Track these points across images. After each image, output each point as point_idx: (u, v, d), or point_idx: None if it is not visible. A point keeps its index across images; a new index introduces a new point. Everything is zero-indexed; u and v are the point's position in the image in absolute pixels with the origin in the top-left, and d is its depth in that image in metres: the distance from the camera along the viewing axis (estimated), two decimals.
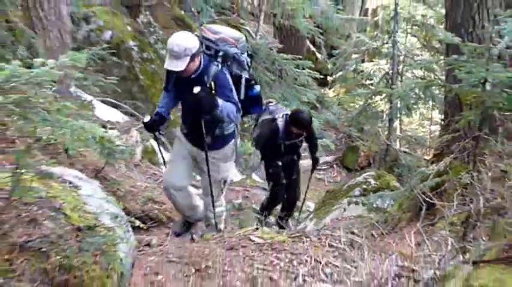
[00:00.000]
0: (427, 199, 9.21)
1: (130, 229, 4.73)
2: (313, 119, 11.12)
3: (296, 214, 12.12)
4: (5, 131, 4.07)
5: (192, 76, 7.82)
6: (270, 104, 11.36)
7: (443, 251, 7.48)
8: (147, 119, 7.94)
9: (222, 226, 9.50)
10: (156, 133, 8.42)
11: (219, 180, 8.57)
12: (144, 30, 14.94)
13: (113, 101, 11.77)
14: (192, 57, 7.63)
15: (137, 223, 7.75)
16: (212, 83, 7.78)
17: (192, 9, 16.99)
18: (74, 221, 4.20)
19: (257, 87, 8.77)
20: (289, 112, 10.82)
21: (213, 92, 7.73)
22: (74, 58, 4.28)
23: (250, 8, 21.21)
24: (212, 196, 8.63)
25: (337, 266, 7.81)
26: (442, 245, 7.77)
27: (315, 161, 12.03)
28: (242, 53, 8.52)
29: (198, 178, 10.40)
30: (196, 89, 7.42)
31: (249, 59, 8.69)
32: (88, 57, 4.93)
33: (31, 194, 4.13)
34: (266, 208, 11.28)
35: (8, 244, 3.90)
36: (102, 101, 11.01)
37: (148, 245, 7.95)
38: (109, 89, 10.91)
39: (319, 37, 21.09)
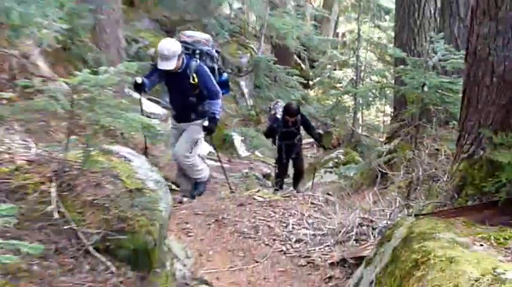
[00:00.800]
0: (381, 169, 9.31)
1: (168, 191, 4.76)
2: (300, 108, 11.08)
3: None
4: (79, 120, 4.10)
5: (178, 71, 8.06)
6: (278, 103, 11.41)
7: (393, 207, 7.53)
8: (139, 80, 7.99)
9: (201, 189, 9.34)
10: (142, 92, 8.43)
11: (195, 138, 8.59)
12: None
13: (155, 98, 11.78)
14: (178, 57, 7.93)
15: (173, 186, 7.83)
16: (194, 75, 8.11)
17: (212, 32, 16.97)
18: (127, 185, 4.23)
19: (225, 75, 9.27)
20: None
21: (195, 81, 8.15)
22: (127, 67, 4.35)
23: (253, 32, 21.11)
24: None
25: (316, 217, 7.87)
26: (392, 203, 7.81)
27: (318, 139, 12.01)
28: (212, 50, 8.79)
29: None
30: (206, 123, 8.32)
31: (217, 54, 8.97)
32: (137, 67, 4.94)
33: (97, 165, 4.17)
34: (279, 178, 11.32)
35: (81, 201, 3.95)
36: (148, 99, 11.01)
37: (180, 202, 7.99)
38: (152, 89, 10.92)
39: (303, 53, 21.11)
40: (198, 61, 8.33)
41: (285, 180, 11.67)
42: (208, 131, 8.54)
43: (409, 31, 10.41)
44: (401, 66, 9.24)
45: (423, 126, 8.96)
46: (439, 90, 8.33)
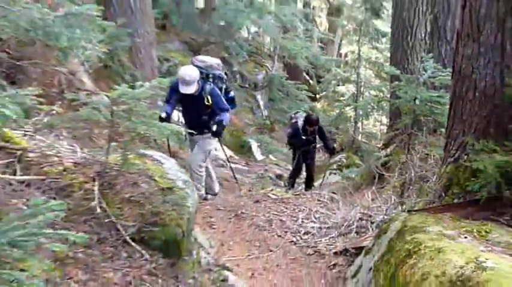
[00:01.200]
0: (379, 171, 9.29)
1: (194, 189, 4.77)
2: (320, 120, 11.07)
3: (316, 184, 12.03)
4: (118, 128, 4.11)
5: (195, 94, 7.73)
6: (298, 113, 11.40)
7: (389, 204, 7.50)
8: (164, 115, 7.61)
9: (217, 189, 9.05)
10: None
11: (207, 149, 8.35)
12: None
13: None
14: (197, 82, 7.65)
15: (198, 185, 7.82)
16: (209, 97, 7.78)
17: (233, 52, 16.98)
18: (160, 184, 4.24)
19: (232, 93, 8.95)
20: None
21: (210, 103, 7.83)
22: (160, 82, 4.36)
23: (268, 52, 21.14)
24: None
25: (322, 213, 7.86)
26: (388, 200, 7.78)
27: (331, 152, 11.86)
28: (222, 73, 8.55)
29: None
30: (214, 127, 7.88)
31: (225, 76, 8.71)
32: (168, 82, 4.99)
33: (133, 167, 4.19)
34: (292, 178, 11.28)
35: (119, 198, 3.96)
36: (176, 109, 11.00)
37: (205, 199, 7.97)
38: None
39: (311, 70, 21.13)
40: (212, 84, 8.07)
41: (297, 180, 11.65)
42: (215, 134, 8.10)
43: (403, 52, 10.39)
44: (396, 82, 9.22)
45: (415, 134, 8.94)
46: (429, 103, 8.31)
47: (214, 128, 7.90)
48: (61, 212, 2.00)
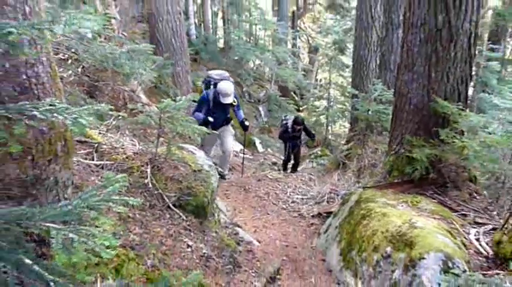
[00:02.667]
0: (342, 160, 9.26)
1: (216, 171, 4.76)
2: (304, 121, 10.89)
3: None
4: (164, 129, 4.11)
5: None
6: (287, 116, 11.28)
7: (349, 182, 7.50)
8: (211, 119, 6.97)
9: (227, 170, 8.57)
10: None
11: (232, 134, 7.87)
12: None
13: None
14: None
15: (219, 169, 7.80)
16: (234, 99, 7.21)
17: (243, 78, 16.99)
18: (192, 168, 4.24)
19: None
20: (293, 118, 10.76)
21: (235, 103, 7.34)
22: (192, 97, 4.36)
23: (267, 77, 21.15)
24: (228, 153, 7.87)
25: (303, 188, 7.85)
26: (349, 180, 7.78)
27: (313, 138, 11.13)
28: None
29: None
30: (247, 123, 7.58)
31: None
32: (197, 97, 5.06)
33: (174, 156, 4.18)
34: (284, 164, 11.15)
35: (165, 177, 3.96)
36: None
37: (223, 178, 7.97)
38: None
39: (296, 90, 21.17)
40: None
41: (288, 165, 11.62)
42: (246, 128, 7.71)
43: (360, 78, 10.38)
44: (355, 99, 9.25)
45: (368, 135, 8.95)
46: (378, 113, 8.32)
47: (247, 123, 7.62)
48: (124, 184, 1.99)
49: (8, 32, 1.61)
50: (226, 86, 7.13)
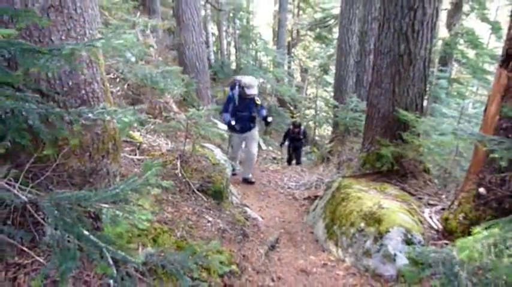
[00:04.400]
0: (326, 155, 9.21)
1: (229, 164, 4.75)
2: (301, 125, 10.71)
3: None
4: (190, 132, 4.10)
5: (250, 97, 6.23)
6: (292, 122, 11.12)
7: (332, 173, 7.46)
8: (234, 122, 6.17)
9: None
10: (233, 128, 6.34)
11: (258, 139, 6.90)
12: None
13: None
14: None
15: (232, 163, 7.76)
16: (258, 98, 6.34)
17: None
18: (212, 161, 4.23)
19: None
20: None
21: (259, 102, 6.44)
22: (212, 108, 4.35)
23: (269, 92, 21.08)
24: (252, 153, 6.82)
25: (297, 177, 7.82)
26: (332, 171, 7.74)
27: (306, 141, 11.03)
28: None
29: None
30: (270, 119, 6.51)
31: None
32: (216, 107, 5.05)
33: (198, 152, 4.18)
34: (288, 161, 10.90)
35: (191, 168, 3.95)
36: (220, 122, 10.95)
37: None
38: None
39: (291, 102, 21.08)
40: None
41: (292, 162, 11.49)
42: (270, 123, 6.55)
43: (340, 92, 10.34)
44: (336, 109, 9.19)
45: (346, 136, 8.91)
46: (354, 120, 8.30)
47: (270, 119, 6.52)
48: (159, 169, 1.99)
49: (70, 49, 1.61)
50: (250, 78, 6.44)
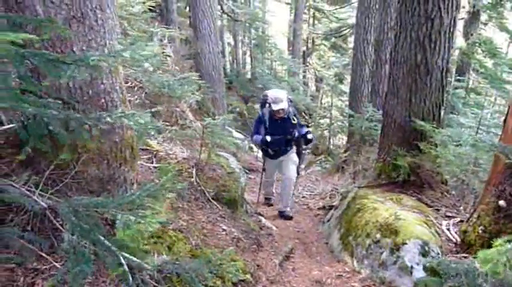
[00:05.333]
0: (342, 165, 9.14)
1: (244, 173, 4.76)
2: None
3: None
4: (205, 140, 4.12)
5: (284, 116, 5.28)
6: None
7: (347, 183, 7.39)
8: (269, 139, 5.21)
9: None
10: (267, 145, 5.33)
11: (296, 161, 5.63)
12: (248, 105, 15.05)
13: (239, 130, 11.67)
14: (286, 101, 5.26)
15: (247, 171, 7.73)
16: (294, 117, 5.34)
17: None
18: (227, 170, 4.24)
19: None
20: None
21: (295, 121, 5.39)
22: (226, 117, 4.37)
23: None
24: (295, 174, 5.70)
25: (311, 186, 7.77)
26: (347, 181, 7.67)
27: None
28: None
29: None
30: (310, 136, 5.38)
31: None
32: (231, 116, 5.04)
33: (213, 161, 4.19)
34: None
35: (206, 177, 3.96)
36: (235, 130, 10.94)
37: (250, 177, 7.91)
38: (237, 126, 10.94)
39: (306, 111, 21.09)
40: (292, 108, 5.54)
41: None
42: (309, 141, 5.46)
43: (355, 102, 10.26)
44: (351, 118, 9.13)
45: (361, 146, 8.83)
46: (369, 129, 8.23)
47: (310, 136, 5.42)
48: (174, 173, 2.01)
49: (92, 59, 1.64)
50: (276, 91, 5.48)
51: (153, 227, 1.74)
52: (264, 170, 5.92)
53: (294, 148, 5.64)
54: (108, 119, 1.86)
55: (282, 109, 5.21)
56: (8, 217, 1.99)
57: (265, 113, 5.40)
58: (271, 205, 6.15)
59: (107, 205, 1.74)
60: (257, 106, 7.01)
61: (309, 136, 5.39)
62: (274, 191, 6.30)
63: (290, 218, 5.54)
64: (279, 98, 5.20)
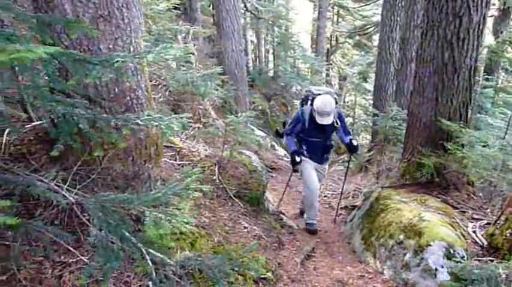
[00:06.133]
0: (365, 164, 9.03)
1: (267, 171, 4.75)
2: None
3: None
4: (228, 138, 4.14)
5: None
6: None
7: (370, 182, 7.31)
8: (298, 159, 4.66)
9: None
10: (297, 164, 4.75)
11: (325, 175, 5.20)
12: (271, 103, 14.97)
13: (261, 128, 11.65)
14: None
15: (269, 169, 7.72)
16: (337, 119, 4.62)
17: (288, 100, 16.91)
18: (249, 168, 4.24)
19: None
20: None
21: (338, 125, 4.64)
22: (249, 114, 4.37)
23: None
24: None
25: (333, 186, 7.72)
26: (370, 181, 7.59)
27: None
28: None
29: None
30: (355, 142, 4.66)
31: None
32: (254, 114, 4.99)
33: (236, 158, 4.20)
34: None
35: (228, 174, 3.98)
36: (258, 128, 10.93)
37: (272, 176, 7.90)
38: (259, 124, 10.94)
39: None
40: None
41: None
42: (355, 149, 4.82)
43: (379, 100, 10.13)
44: (375, 117, 9.02)
45: (385, 145, 8.71)
46: (393, 129, 8.12)
47: (355, 143, 4.73)
48: (198, 175, 2.02)
49: (116, 61, 1.67)
50: (325, 101, 4.46)
51: (185, 227, 1.76)
52: (295, 171, 5.08)
53: (330, 157, 4.90)
54: (138, 121, 1.89)
55: (328, 123, 4.52)
56: (37, 211, 2.05)
57: (305, 111, 4.71)
58: (315, 232, 4.84)
59: (133, 201, 1.77)
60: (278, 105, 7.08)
61: (354, 143, 4.71)
62: (316, 212, 4.99)
63: (315, 232, 4.81)
64: (325, 111, 4.42)
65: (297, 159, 4.70)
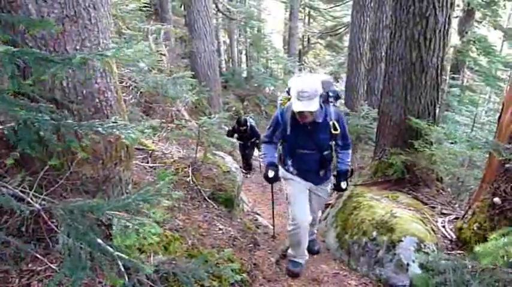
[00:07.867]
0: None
1: (240, 172, 4.74)
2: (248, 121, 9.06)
3: None
4: (201, 139, 4.11)
5: (318, 121, 3.18)
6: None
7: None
8: (271, 174, 3.33)
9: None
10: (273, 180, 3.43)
11: (325, 201, 3.85)
12: (244, 104, 15.01)
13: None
14: (319, 98, 3.07)
15: (243, 170, 7.70)
16: (336, 123, 3.22)
17: (261, 100, 16.94)
18: (223, 169, 4.22)
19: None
20: None
21: (337, 131, 3.22)
22: (222, 116, 4.35)
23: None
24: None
25: None
26: None
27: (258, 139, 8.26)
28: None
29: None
30: (343, 184, 3.41)
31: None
32: (226, 115, 4.96)
33: (209, 160, 4.18)
34: (245, 168, 8.62)
35: (202, 176, 3.95)
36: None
37: (246, 177, 7.89)
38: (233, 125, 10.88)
39: None
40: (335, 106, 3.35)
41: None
42: (341, 190, 3.51)
43: (351, 100, 10.30)
44: (347, 116, 9.13)
45: (357, 144, 8.82)
46: (365, 127, 8.22)
47: (343, 185, 3.46)
48: (172, 179, 1.98)
49: (81, 58, 1.61)
50: (303, 81, 3.08)
51: (152, 239, 1.72)
52: (287, 198, 3.57)
53: (331, 175, 3.58)
54: (100, 129, 1.82)
55: (310, 112, 3.09)
56: (2, 218, 1.97)
57: (285, 110, 3.35)
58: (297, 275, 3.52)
59: (102, 207, 1.72)
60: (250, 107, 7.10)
61: (343, 185, 3.49)
62: (305, 249, 3.63)
63: (298, 275, 3.50)
64: (305, 92, 2.99)
65: (270, 174, 3.37)
